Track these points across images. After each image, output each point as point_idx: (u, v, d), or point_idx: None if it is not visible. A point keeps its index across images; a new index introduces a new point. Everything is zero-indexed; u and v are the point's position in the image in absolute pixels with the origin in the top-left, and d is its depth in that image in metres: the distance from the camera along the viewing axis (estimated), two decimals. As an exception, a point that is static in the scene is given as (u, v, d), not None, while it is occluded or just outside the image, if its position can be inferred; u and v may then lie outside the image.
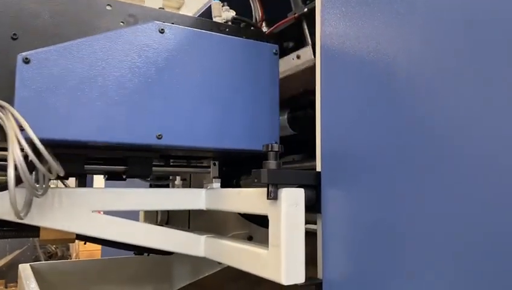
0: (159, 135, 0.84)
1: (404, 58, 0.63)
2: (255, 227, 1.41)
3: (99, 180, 2.08)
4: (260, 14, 1.20)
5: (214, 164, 1.05)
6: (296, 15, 1.07)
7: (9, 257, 4.62)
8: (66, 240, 0.98)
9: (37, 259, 5.04)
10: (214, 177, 1.04)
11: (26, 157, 0.69)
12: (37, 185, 0.77)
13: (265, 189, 0.75)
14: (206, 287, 1.44)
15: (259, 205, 0.79)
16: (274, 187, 0.73)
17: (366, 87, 0.69)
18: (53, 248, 5.07)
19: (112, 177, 1.05)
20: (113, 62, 0.82)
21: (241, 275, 1.40)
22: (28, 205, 0.78)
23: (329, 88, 0.77)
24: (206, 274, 1.49)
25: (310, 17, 1.01)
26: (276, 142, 0.96)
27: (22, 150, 0.70)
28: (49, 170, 0.74)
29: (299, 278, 0.72)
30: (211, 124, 0.90)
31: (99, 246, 3.59)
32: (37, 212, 0.82)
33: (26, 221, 0.83)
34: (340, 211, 0.72)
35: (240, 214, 1.34)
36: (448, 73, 0.56)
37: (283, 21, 1.12)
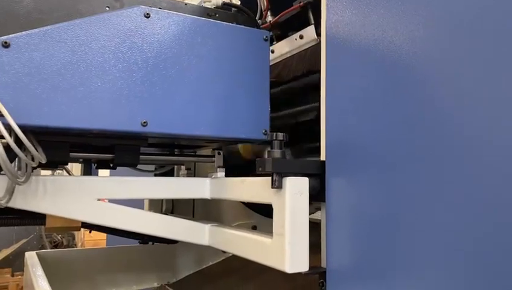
0: (144, 122, 0.83)
1: (410, 46, 0.62)
2: (259, 217, 1.41)
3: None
4: (265, 3, 1.19)
5: (219, 153, 1.05)
6: (301, 4, 1.06)
7: (15, 246, 4.67)
8: (71, 228, 1.00)
9: (43, 248, 5.10)
10: (219, 167, 1.04)
11: (7, 144, 0.68)
12: (19, 173, 0.75)
13: (270, 178, 0.75)
14: (210, 276, 1.45)
15: (263, 193, 0.79)
16: (278, 176, 0.73)
17: (372, 76, 0.68)
18: (59, 237, 5.12)
19: (101, 166, 1.04)
20: (96, 47, 0.81)
21: (244, 264, 1.41)
22: (10, 192, 0.77)
23: (334, 77, 0.76)
24: (210, 263, 1.50)
25: (316, 5, 1.00)
26: (266, 130, 0.95)
27: (2, 137, 0.69)
28: (32, 158, 0.73)
29: (303, 266, 0.72)
30: (199, 111, 0.88)
31: (104, 236, 3.62)
32: (42, 200, 0.83)
33: (32, 208, 0.84)
34: (344, 200, 0.72)
35: (244, 204, 1.35)
36: (456, 62, 0.56)
37: (288, 10, 1.11)
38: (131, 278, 1.39)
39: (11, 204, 0.79)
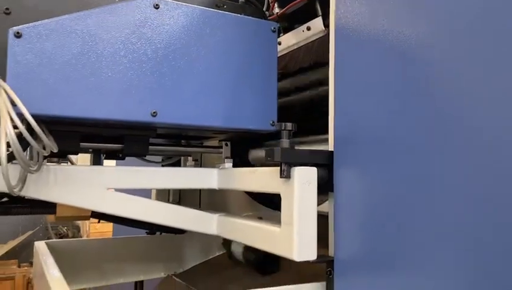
0: (154, 113, 0.84)
1: (420, 36, 0.62)
2: (265, 209, 1.42)
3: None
4: (273, -5, 1.20)
5: (226, 144, 1.06)
6: (309, -5, 1.06)
7: (21, 238, 4.72)
8: (81, 217, 1.01)
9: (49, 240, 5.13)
10: (226, 157, 1.05)
11: (20, 133, 0.69)
12: (31, 162, 0.77)
13: (278, 168, 0.76)
14: (216, 267, 1.47)
15: (271, 183, 0.80)
16: (287, 166, 0.73)
17: (382, 66, 0.69)
18: (64, 229, 5.17)
19: (110, 156, 1.05)
20: (107, 38, 0.81)
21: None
22: (22, 181, 0.78)
23: (343, 68, 0.77)
24: (217, 254, 1.51)
25: (324, -4, 1.00)
26: (274, 121, 0.96)
27: (16, 127, 0.70)
28: (44, 147, 0.74)
29: (311, 255, 0.73)
30: (207, 102, 0.89)
31: (110, 228, 3.65)
32: (53, 189, 0.84)
33: (43, 197, 0.85)
34: (353, 189, 0.73)
35: (250, 196, 1.36)
36: (467, 53, 0.56)
37: (296, 2, 1.11)
38: (138, 268, 1.40)
39: (23, 193, 0.81)
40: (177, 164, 1.44)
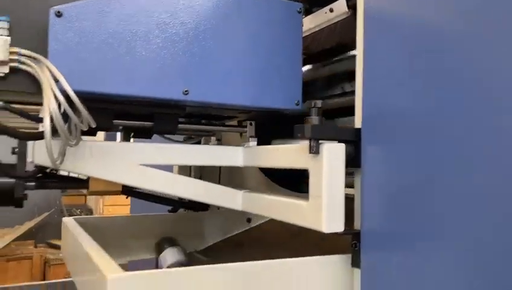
0: (186, 91, 0.87)
1: (452, 18, 0.64)
2: (283, 191, 1.46)
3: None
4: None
5: (251, 124, 1.09)
6: (333, -24, 1.07)
7: (38, 219, 4.84)
8: (112, 192, 1.05)
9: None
10: (251, 137, 1.08)
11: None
12: (70, 136, 0.80)
13: (305, 144, 0.79)
14: (235, 244, 1.51)
15: (299, 159, 0.83)
16: (316, 142, 0.76)
17: (412, 47, 0.71)
18: (78, 212, 5.27)
19: (138, 134, 1.09)
20: (141, 18, 0.84)
21: (268, 233, 1.46)
22: (62, 154, 0.81)
23: (371, 47, 0.79)
24: (236, 232, 1.55)
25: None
26: (298, 101, 0.98)
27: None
28: (81, 121, 0.77)
29: (339, 227, 0.76)
30: (235, 81, 0.92)
31: (124, 210, 3.73)
32: (88, 163, 0.88)
33: (79, 171, 0.89)
34: (380, 165, 0.76)
35: (268, 177, 1.38)
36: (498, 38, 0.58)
37: (318, -17, 1.12)
38: (161, 245, 1.45)
39: (62, 167, 0.85)
40: (197, 144, 1.47)
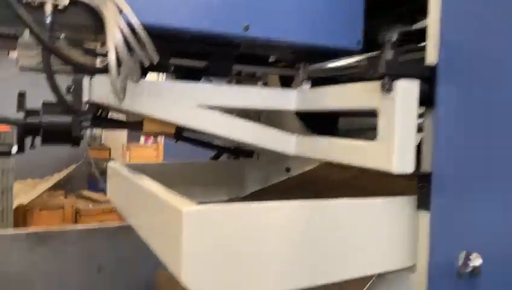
0: (246, 26, 0.83)
1: None
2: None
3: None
4: None
5: (304, 66, 1.05)
6: None
7: (66, 171, 4.98)
8: (166, 133, 1.05)
9: (90, 175, 5.41)
10: (304, 80, 1.04)
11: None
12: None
13: (373, 83, 0.75)
14: (275, 192, 1.52)
15: (366, 99, 0.79)
16: (390, 79, 0.72)
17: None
18: (104, 165, 5.39)
19: (190, 76, 1.06)
20: None
21: (309, 181, 1.45)
22: (124, 89, 0.79)
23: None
24: (275, 181, 1.56)
25: None
26: (360, 41, 0.94)
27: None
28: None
29: (409, 167, 0.74)
30: (297, 17, 0.88)
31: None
32: (146, 101, 0.87)
33: (137, 109, 0.88)
34: (456, 105, 0.72)
35: (305, 123, 1.35)
36: None
37: None
38: (203, 191, 1.46)
39: (122, 104, 0.83)
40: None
